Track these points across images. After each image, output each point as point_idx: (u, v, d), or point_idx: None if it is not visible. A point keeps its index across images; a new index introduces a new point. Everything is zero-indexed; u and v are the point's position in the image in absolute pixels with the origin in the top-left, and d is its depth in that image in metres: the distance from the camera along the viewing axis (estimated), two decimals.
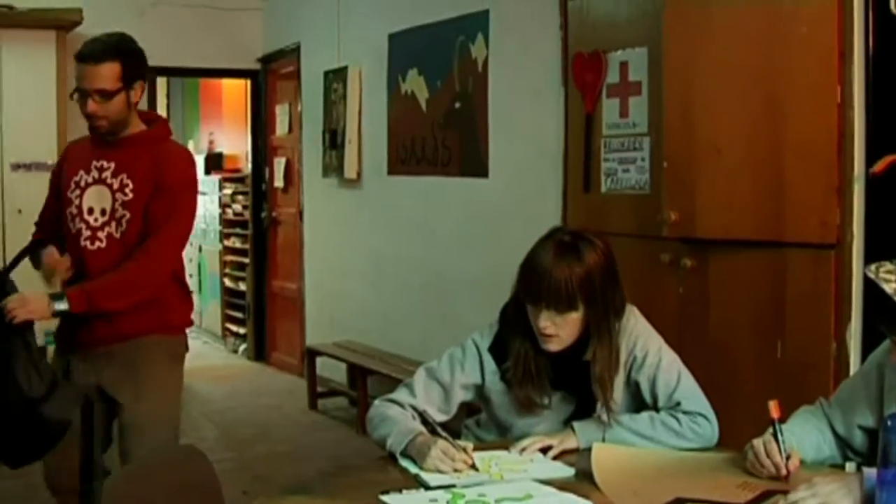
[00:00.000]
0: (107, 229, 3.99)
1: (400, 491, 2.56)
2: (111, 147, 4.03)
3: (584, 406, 3.16)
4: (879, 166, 4.04)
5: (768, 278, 4.55)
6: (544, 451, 2.97)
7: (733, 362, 4.69)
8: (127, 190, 3.97)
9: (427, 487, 2.65)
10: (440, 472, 2.77)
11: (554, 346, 3.07)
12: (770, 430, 2.72)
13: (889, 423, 2.23)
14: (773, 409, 2.72)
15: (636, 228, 5.23)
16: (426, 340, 7.10)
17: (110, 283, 3.93)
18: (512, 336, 3.16)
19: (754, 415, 2.88)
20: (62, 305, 3.82)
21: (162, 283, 4.06)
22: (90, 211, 3.99)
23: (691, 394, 3.13)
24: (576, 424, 2.98)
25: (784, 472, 2.66)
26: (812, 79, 4.30)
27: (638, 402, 3.21)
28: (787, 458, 2.68)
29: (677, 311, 4.97)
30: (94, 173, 4.01)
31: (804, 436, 2.85)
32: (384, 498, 2.47)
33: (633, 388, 3.19)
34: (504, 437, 3.24)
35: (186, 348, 4.31)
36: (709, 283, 4.84)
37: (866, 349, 4.15)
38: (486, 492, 2.59)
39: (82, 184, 4.02)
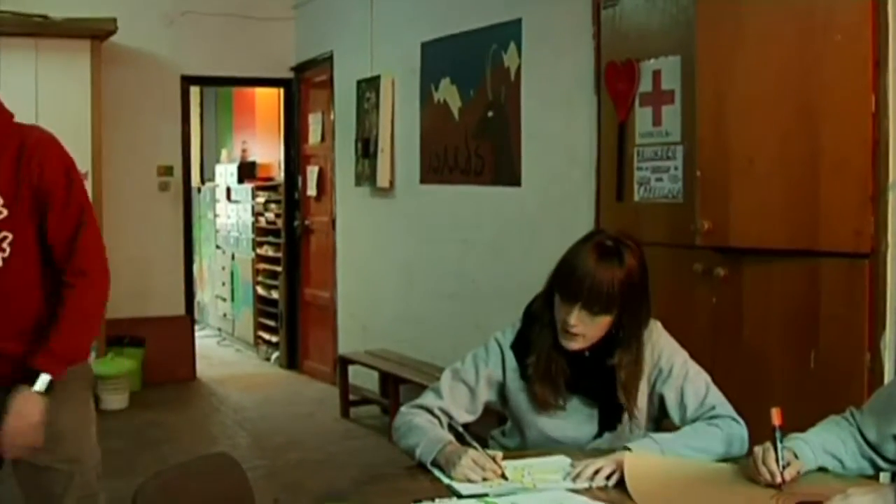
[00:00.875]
0: None
1: (432, 500, 2.57)
2: None
3: (605, 413, 3.16)
4: None
5: (802, 288, 4.53)
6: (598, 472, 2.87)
7: (767, 372, 4.67)
8: (2, 188, 3.20)
9: (459, 496, 2.65)
10: (470, 481, 2.78)
11: (576, 345, 3.08)
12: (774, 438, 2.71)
13: None
14: (776, 416, 2.73)
15: (669, 237, 5.22)
16: (458, 349, 7.05)
17: (68, 327, 3.30)
18: (536, 332, 3.17)
19: (788, 425, 2.87)
20: (42, 385, 3.19)
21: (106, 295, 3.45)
22: None
23: (722, 401, 3.15)
24: (632, 445, 2.96)
25: (779, 479, 2.65)
26: (846, 88, 4.28)
27: (659, 416, 3.21)
28: (786, 465, 2.67)
29: (710, 320, 4.96)
30: None
31: (822, 444, 2.84)
32: None
33: (656, 401, 3.19)
34: (523, 439, 3.25)
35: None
36: (742, 293, 4.82)
37: None
38: (518, 501, 2.59)
39: None
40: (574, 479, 2.81)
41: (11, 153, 3.22)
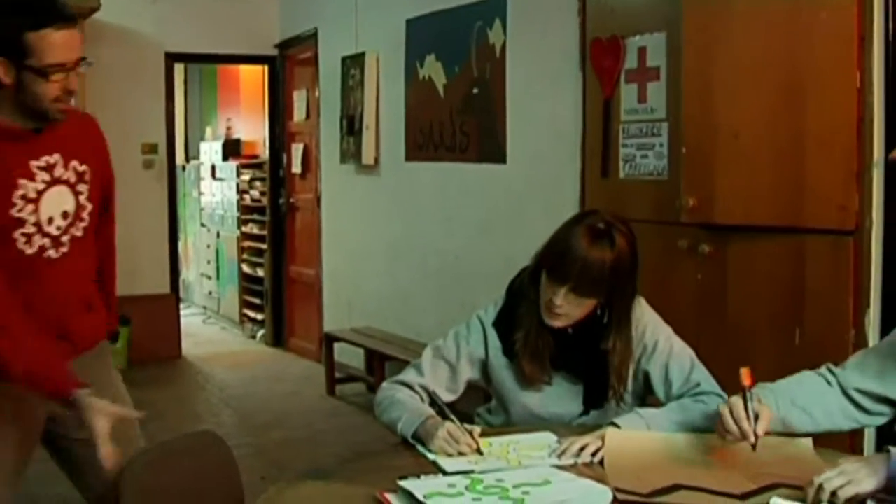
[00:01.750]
0: (70, 231, 3.24)
1: (418, 476, 2.57)
2: (43, 136, 3.13)
3: (591, 390, 3.18)
4: None
5: (787, 264, 4.54)
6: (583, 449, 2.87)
7: (751, 348, 4.68)
8: (86, 177, 3.26)
9: (445, 473, 2.65)
10: (447, 454, 2.80)
11: (558, 323, 3.08)
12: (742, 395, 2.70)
13: None
14: (745, 376, 2.72)
15: (654, 214, 5.22)
16: (444, 326, 7.05)
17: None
18: (523, 308, 3.17)
19: None
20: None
21: None
22: (50, 221, 3.17)
23: (707, 376, 3.16)
24: (619, 420, 2.96)
25: (752, 438, 2.63)
26: (831, 64, 4.28)
27: (644, 393, 3.21)
28: (756, 417, 2.66)
29: (695, 297, 4.97)
30: (43, 175, 3.12)
31: (791, 396, 2.83)
32: (402, 483, 2.48)
33: (641, 378, 3.20)
34: (507, 416, 3.26)
35: None
36: (727, 269, 4.83)
37: (885, 335, 4.13)
38: (504, 477, 2.59)
39: (32, 194, 3.10)
40: (559, 456, 2.81)
41: (79, 127, 3.31)
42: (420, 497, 2.38)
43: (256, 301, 11.09)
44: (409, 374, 3.23)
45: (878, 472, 2.33)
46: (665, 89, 5.24)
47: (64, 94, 3.02)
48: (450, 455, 2.80)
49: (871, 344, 4.19)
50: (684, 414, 3.02)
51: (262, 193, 10.90)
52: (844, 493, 2.31)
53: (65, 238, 3.20)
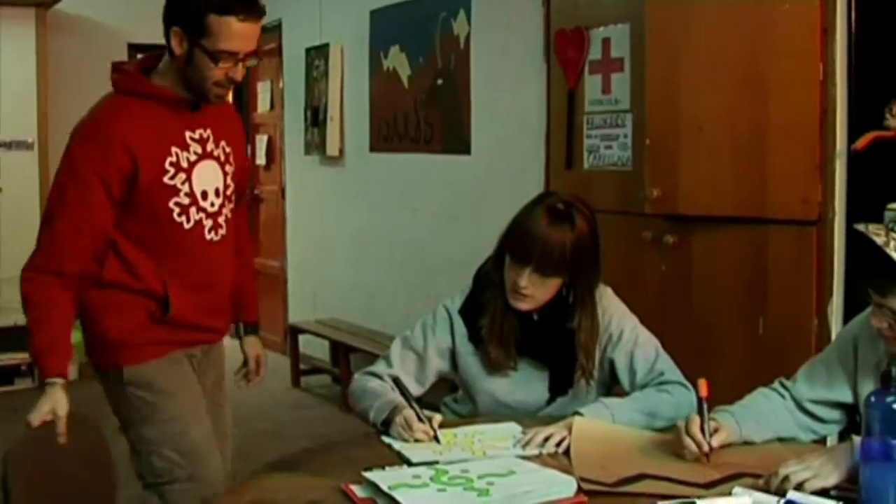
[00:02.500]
0: (224, 212, 3.31)
1: (383, 468, 2.56)
2: (199, 111, 3.21)
3: (556, 377, 3.19)
4: (861, 143, 4.04)
5: (750, 255, 4.56)
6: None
7: (716, 338, 4.70)
8: (231, 158, 3.33)
9: (410, 464, 2.65)
10: (403, 440, 2.82)
11: (525, 305, 3.08)
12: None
13: (872, 398, 2.24)
14: (703, 387, 2.72)
15: (618, 205, 5.23)
16: (410, 317, 7.06)
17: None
18: (488, 294, 3.17)
19: (737, 391, 2.90)
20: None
21: None
22: (204, 195, 3.21)
23: (671, 366, 3.17)
24: (583, 410, 2.96)
25: (706, 448, 2.64)
26: (794, 56, 4.30)
27: (610, 382, 3.22)
28: (712, 434, 2.67)
29: (660, 287, 4.98)
30: (196, 147, 3.19)
31: (753, 415, 2.83)
32: (367, 475, 2.47)
33: (606, 366, 3.21)
34: (474, 405, 3.27)
35: None
36: (691, 260, 4.84)
37: (847, 324, 4.17)
38: (469, 468, 2.59)
39: (184, 164, 3.15)
40: (524, 447, 2.81)
41: (227, 110, 3.44)
42: (385, 488, 2.38)
43: None
44: (379, 366, 3.24)
45: (842, 465, 2.35)
46: (629, 80, 5.24)
47: (226, 80, 3.10)
48: (406, 441, 2.82)
49: (833, 333, 4.21)
50: (648, 403, 3.03)
51: None
52: (810, 487, 2.32)
53: (221, 218, 3.29)
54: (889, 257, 2.35)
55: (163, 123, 3.12)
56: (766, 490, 2.36)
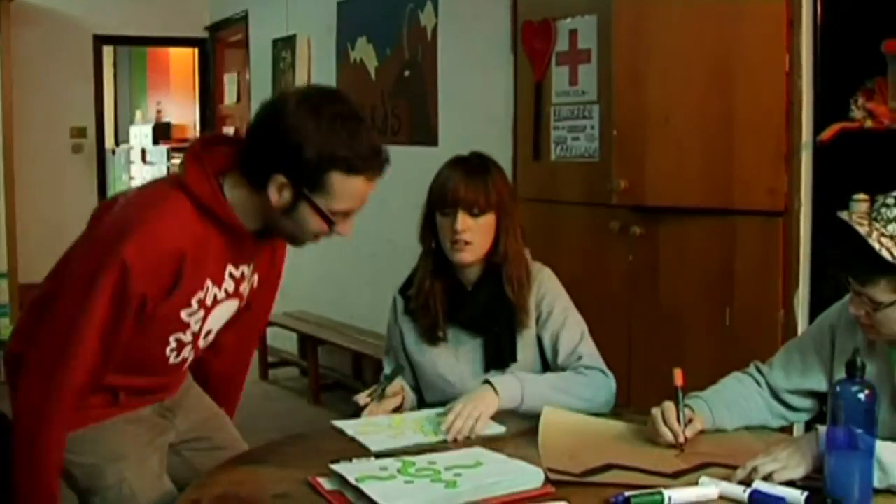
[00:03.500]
0: (201, 342, 2.87)
1: (350, 460, 2.56)
2: (252, 243, 2.76)
3: (490, 349, 3.21)
4: (827, 134, 4.05)
5: (717, 246, 4.58)
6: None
7: (682, 329, 4.72)
8: (252, 292, 2.96)
9: (373, 454, 2.65)
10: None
11: (467, 256, 3.13)
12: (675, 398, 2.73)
13: (837, 388, 2.25)
14: (678, 377, 2.74)
15: (586, 196, 5.25)
16: (377, 310, 7.02)
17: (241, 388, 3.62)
18: (418, 263, 3.29)
19: (703, 382, 2.90)
20: None
21: None
22: (207, 334, 2.84)
23: (592, 352, 3.19)
24: (494, 381, 2.99)
25: (682, 438, 2.67)
26: (761, 47, 4.31)
27: (543, 362, 3.24)
28: (688, 423, 2.70)
29: (627, 278, 4.99)
30: (229, 284, 2.75)
31: (724, 402, 2.85)
32: (334, 467, 2.46)
33: (538, 345, 3.24)
34: (418, 379, 3.31)
35: None
36: (658, 251, 4.86)
37: (814, 316, 4.17)
38: (436, 459, 2.59)
39: (209, 301, 2.71)
40: (447, 431, 2.84)
41: (281, 250, 3.17)
42: (352, 480, 2.37)
43: None
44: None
45: (808, 457, 2.36)
46: (596, 72, 5.25)
47: (327, 234, 2.68)
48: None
49: (799, 324, 4.24)
50: (561, 381, 3.08)
51: None
52: (778, 478, 2.33)
53: (198, 344, 2.85)
54: (872, 248, 2.36)
55: (212, 252, 2.65)
56: (734, 481, 2.37)
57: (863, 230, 2.38)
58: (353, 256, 7.75)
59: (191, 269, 2.57)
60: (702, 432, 2.74)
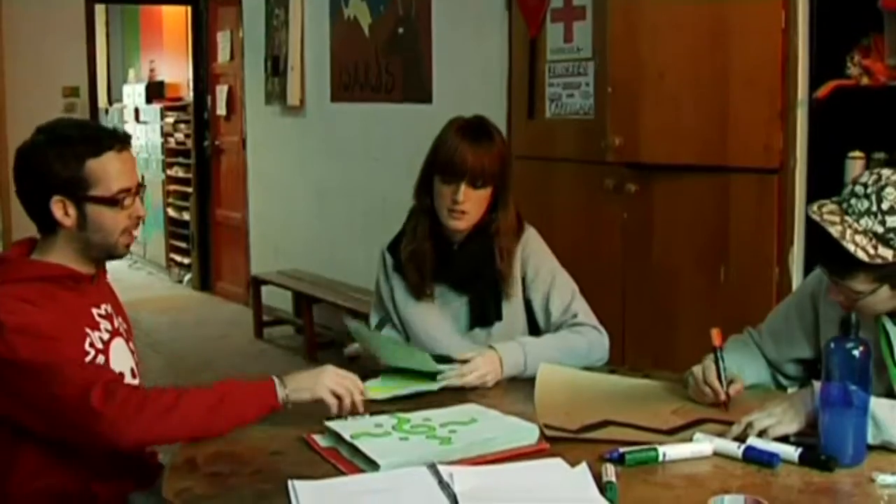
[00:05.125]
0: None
1: (345, 417, 2.56)
2: (94, 284, 2.83)
3: (476, 306, 3.25)
4: (823, 91, 4.04)
5: (712, 203, 4.57)
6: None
7: (677, 287, 4.72)
8: (129, 334, 2.95)
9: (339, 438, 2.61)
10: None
11: (462, 224, 3.17)
12: (710, 356, 2.74)
13: (832, 345, 2.25)
14: (716, 337, 2.75)
15: (580, 154, 5.23)
16: (371, 268, 7.01)
17: None
18: (410, 222, 3.33)
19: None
20: None
21: None
22: (122, 377, 2.75)
23: (585, 309, 3.22)
24: (497, 346, 3.04)
25: (723, 397, 2.68)
26: (756, 3, 4.29)
27: (532, 326, 3.27)
28: (729, 383, 2.71)
29: (621, 236, 4.99)
30: (105, 324, 2.78)
31: (744, 362, 2.87)
32: (329, 424, 2.47)
33: (526, 309, 3.27)
34: (407, 335, 3.33)
35: None
36: (653, 209, 4.85)
37: (808, 273, 4.18)
38: (431, 416, 2.59)
39: (98, 344, 2.72)
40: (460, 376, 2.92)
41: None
42: (347, 437, 2.38)
43: (183, 245, 11.01)
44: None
45: (803, 412, 2.37)
46: (591, 28, 5.22)
47: (134, 223, 2.76)
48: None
49: (794, 282, 4.24)
50: (561, 341, 3.12)
51: (187, 136, 10.78)
52: (772, 433, 2.34)
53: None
54: (845, 249, 2.34)
55: (68, 307, 2.66)
56: (729, 436, 2.38)
57: (836, 231, 2.35)
58: (346, 214, 7.75)
59: (60, 328, 2.57)
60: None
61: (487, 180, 3.14)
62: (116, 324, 2.84)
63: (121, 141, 2.72)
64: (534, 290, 3.22)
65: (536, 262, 3.24)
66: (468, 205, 3.13)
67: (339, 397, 2.60)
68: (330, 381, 2.62)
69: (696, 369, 2.76)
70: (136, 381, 2.83)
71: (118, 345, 2.80)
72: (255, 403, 2.55)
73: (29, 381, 2.48)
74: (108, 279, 2.98)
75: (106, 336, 2.75)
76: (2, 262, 2.74)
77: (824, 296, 2.72)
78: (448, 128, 3.23)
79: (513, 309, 3.22)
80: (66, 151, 2.64)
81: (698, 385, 2.73)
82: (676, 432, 2.49)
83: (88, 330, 2.70)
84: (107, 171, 2.66)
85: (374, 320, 3.38)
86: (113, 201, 2.67)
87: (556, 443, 2.42)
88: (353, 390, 2.63)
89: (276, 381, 2.58)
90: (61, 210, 2.66)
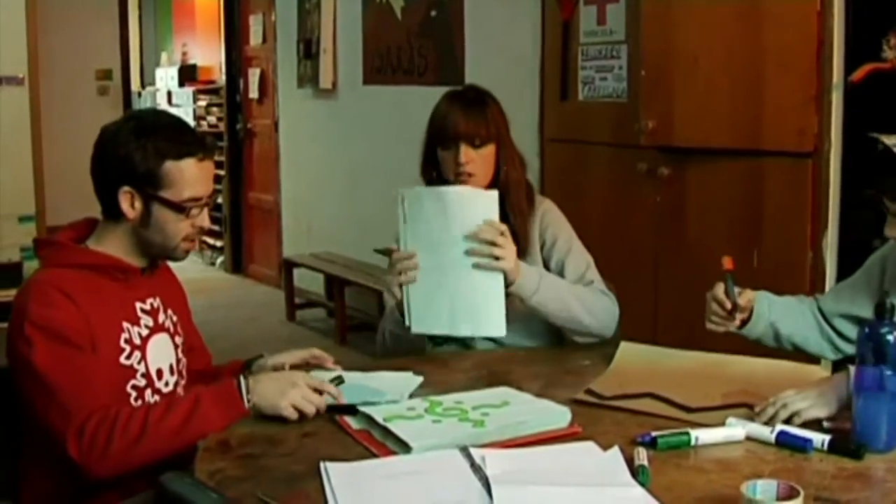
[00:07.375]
0: (178, 390, 2.85)
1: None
2: (146, 276, 2.85)
3: None
4: (858, 74, 4.02)
5: (745, 187, 4.55)
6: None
7: (709, 270, 4.65)
8: (178, 329, 2.94)
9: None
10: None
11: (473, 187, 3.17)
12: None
13: (866, 329, 2.24)
14: (727, 262, 2.88)
15: (613, 137, 5.22)
16: None
17: None
18: None
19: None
20: None
21: None
22: (160, 374, 2.78)
23: (599, 279, 3.27)
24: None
25: (728, 305, 2.82)
26: None
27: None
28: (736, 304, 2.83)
29: (654, 219, 4.97)
30: (147, 319, 2.78)
31: (784, 306, 2.96)
32: (362, 407, 2.48)
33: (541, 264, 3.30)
34: None
35: None
36: (686, 192, 4.83)
37: (842, 258, 4.16)
38: (462, 399, 2.60)
39: (136, 340, 2.72)
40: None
41: (176, 281, 3.17)
42: (380, 420, 2.38)
43: (215, 228, 11.01)
44: (386, 301, 3.37)
45: (837, 397, 2.36)
46: (624, 11, 5.20)
47: (195, 232, 2.78)
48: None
49: (828, 266, 4.22)
50: (578, 290, 3.17)
51: (219, 119, 10.79)
52: (805, 416, 2.34)
53: (167, 391, 2.80)
54: None
55: (111, 298, 2.68)
56: (762, 417, 2.37)
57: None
58: (378, 197, 7.74)
59: (95, 319, 2.59)
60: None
61: (485, 138, 3.18)
62: (162, 319, 2.83)
63: (205, 149, 2.72)
64: (550, 255, 3.27)
65: (555, 231, 3.29)
66: (472, 166, 3.17)
67: (300, 411, 2.52)
68: (296, 397, 2.53)
69: (708, 294, 2.88)
70: (173, 378, 2.81)
71: (159, 340, 2.79)
72: (221, 416, 2.49)
73: (34, 386, 2.51)
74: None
75: (145, 332, 2.75)
76: (52, 245, 2.75)
77: (894, 259, 2.76)
78: (440, 100, 3.31)
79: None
80: (149, 145, 2.64)
81: (707, 303, 2.85)
82: (701, 411, 2.49)
83: (127, 325, 2.70)
84: (183, 175, 2.66)
85: (392, 300, 3.31)
86: (180, 208, 2.68)
87: (587, 426, 2.41)
88: (319, 407, 2.54)
89: (243, 386, 2.52)
90: (128, 202, 2.67)
